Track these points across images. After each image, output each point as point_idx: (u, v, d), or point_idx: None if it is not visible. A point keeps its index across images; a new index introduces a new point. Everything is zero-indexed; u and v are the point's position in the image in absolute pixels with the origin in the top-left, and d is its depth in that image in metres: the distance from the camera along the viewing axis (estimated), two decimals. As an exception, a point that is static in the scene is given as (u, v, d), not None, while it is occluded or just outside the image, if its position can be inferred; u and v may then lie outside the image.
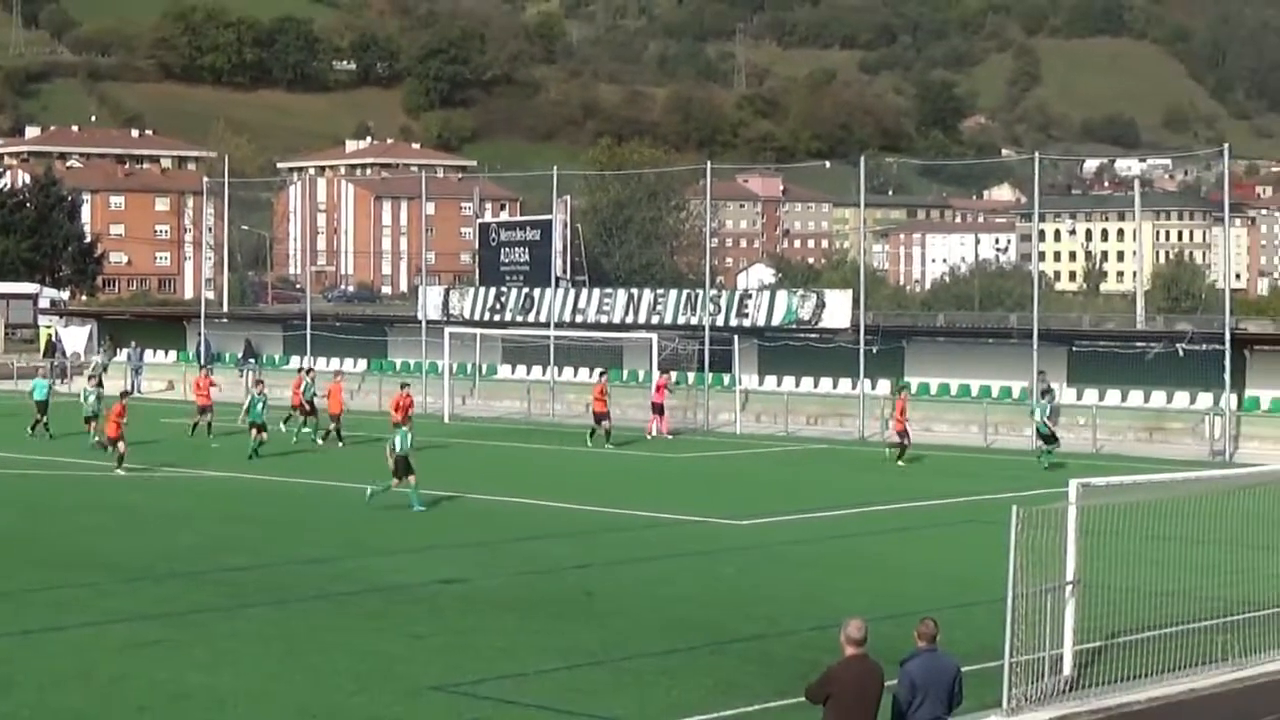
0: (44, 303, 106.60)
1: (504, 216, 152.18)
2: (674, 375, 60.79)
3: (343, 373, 60.32)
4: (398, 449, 37.62)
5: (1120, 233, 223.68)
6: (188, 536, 33.91)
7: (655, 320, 65.37)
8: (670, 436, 56.09)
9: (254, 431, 48.85)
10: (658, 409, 56.73)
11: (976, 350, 62.53)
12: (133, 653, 23.09)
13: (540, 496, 40.23)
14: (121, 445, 44.38)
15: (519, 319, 69.14)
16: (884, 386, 60.53)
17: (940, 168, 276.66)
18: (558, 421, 61.49)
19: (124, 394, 49.58)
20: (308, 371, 57.23)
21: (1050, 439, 48.45)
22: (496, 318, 69.54)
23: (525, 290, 70.12)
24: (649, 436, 55.39)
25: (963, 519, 37.22)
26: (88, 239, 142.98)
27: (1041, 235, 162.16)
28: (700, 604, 27.11)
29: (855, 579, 29.64)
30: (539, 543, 33.48)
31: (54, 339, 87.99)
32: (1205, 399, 54.16)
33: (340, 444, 52.02)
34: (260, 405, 49.48)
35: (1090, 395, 56.89)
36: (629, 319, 66.30)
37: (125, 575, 29.24)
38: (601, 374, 57.66)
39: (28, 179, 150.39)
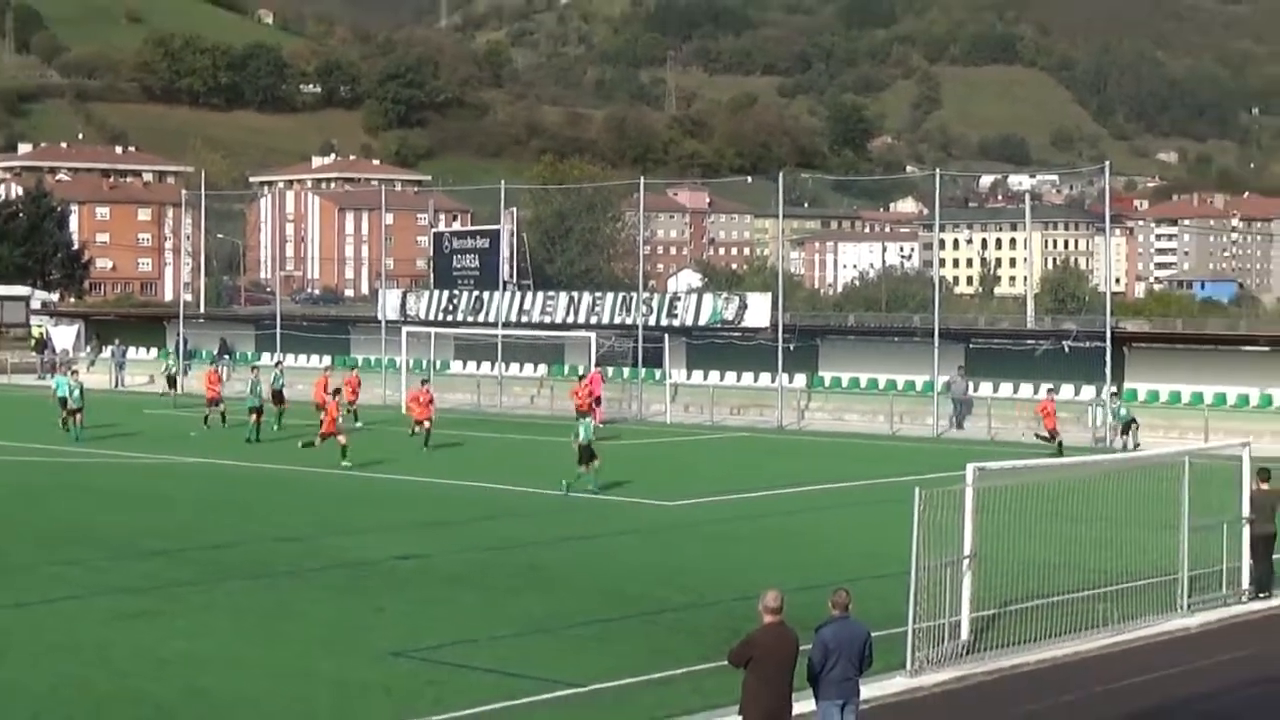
0: (35, 304, 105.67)
1: (456, 226, 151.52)
2: (609, 370, 60.75)
3: (332, 367, 59.94)
4: (581, 438, 37.63)
5: (1012, 241, 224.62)
6: (170, 517, 33.80)
7: (594, 320, 65.35)
8: (602, 425, 55.93)
9: (252, 416, 48.96)
10: (596, 401, 56.71)
11: (883, 347, 62.80)
12: (118, 623, 23.00)
13: (490, 480, 40.21)
14: (342, 438, 43.12)
15: (470, 319, 69.00)
16: (800, 380, 60.80)
17: (851, 183, 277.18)
18: (504, 412, 61.46)
19: (335, 391, 47.06)
20: (289, 365, 57.00)
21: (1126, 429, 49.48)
22: (449, 318, 69.38)
23: (475, 293, 69.95)
24: None
25: (870, 500, 37.31)
26: (75, 246, 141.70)
27: (942, 244, 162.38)
28: (634, 577, 27.17)
29: (774, 554, 29.73)
30: (490, 522, 33.49)
31: (45, 337, 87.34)
32: (1088, 391, 54.53)
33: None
34: (259, 389, 49.99)
35: (985, 388, 57.27)
36: (570, 319, 66.27)
37: (112, 552, 29.09)
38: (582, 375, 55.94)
39: (20, 191, 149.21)
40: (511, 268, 72.89)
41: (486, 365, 68.21)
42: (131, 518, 33.70)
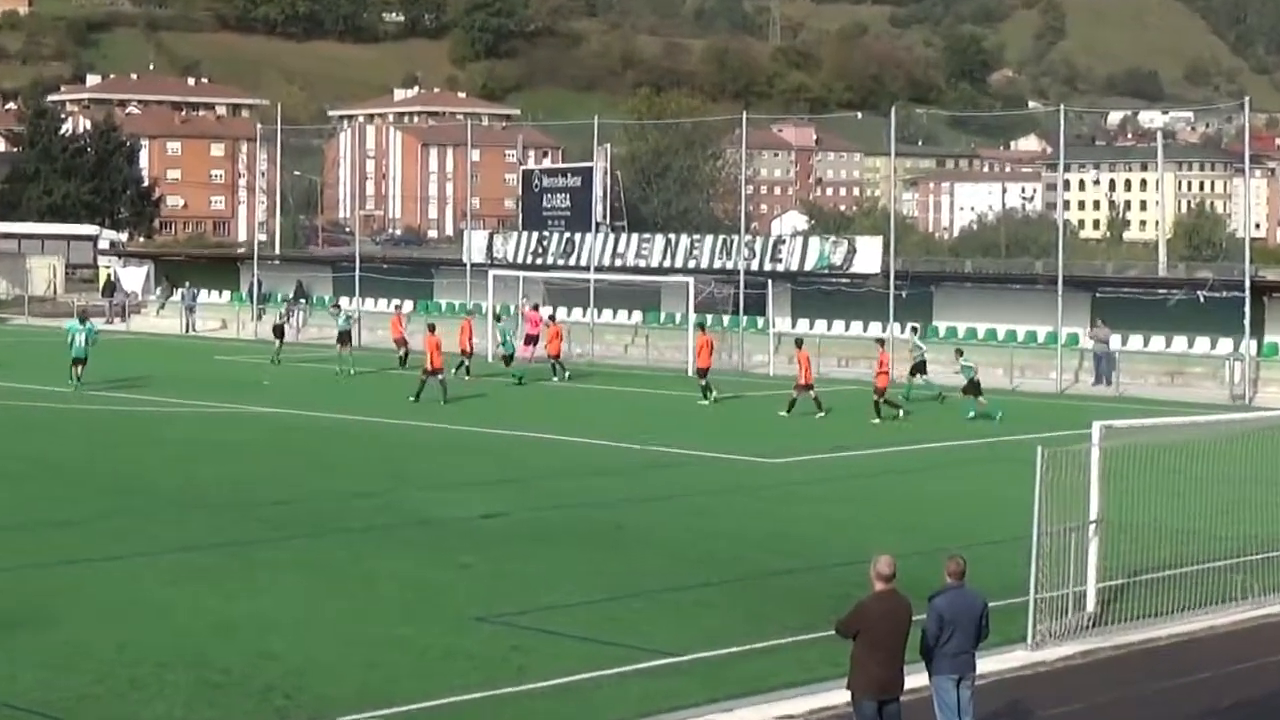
0: (103, 244, 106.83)
1: (546, 164, 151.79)
2: (545, 310, 60.82)
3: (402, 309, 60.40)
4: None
5: (1143, 183, 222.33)
6: (238, 469, 33.93)
7: (692, 264, 65.20)
8: (531, 364, 55.60)
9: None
10: (531, 340, 58.09)
11: (1003, 296, 62.21)
12: (182, 582, 23.03)
13: (579, 434, 40.10)
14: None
15: (560, 262, 69.02)
16: (913, 330, 60.34)
17: (968, 119, 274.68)
18: (596, 362, 61.35)
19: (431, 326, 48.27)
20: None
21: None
22: (539, 261, 69.44)
23: (566, 235, 69.99)
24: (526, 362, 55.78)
25: (989, 458, 37.02)
26: (145, 183, 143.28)
27: (1066, 185, 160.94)
28: (733, 539, 26.99)
29: (884, 516, 29.49)
30: (578, 478, 33.38)
31: (113, 279, 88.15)
32: (1225, 344, 53.82)
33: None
34: (344, 318, 57.18)
35: (1113, 340, 56.57)
36: (666, 263, 66.15)
37: (177, 506, 29.23)
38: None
39: (88, 125, 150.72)
40: (605, 208, 72.74)
41: (578, 311, 68.03)
42: (198, 469, 33.83)
